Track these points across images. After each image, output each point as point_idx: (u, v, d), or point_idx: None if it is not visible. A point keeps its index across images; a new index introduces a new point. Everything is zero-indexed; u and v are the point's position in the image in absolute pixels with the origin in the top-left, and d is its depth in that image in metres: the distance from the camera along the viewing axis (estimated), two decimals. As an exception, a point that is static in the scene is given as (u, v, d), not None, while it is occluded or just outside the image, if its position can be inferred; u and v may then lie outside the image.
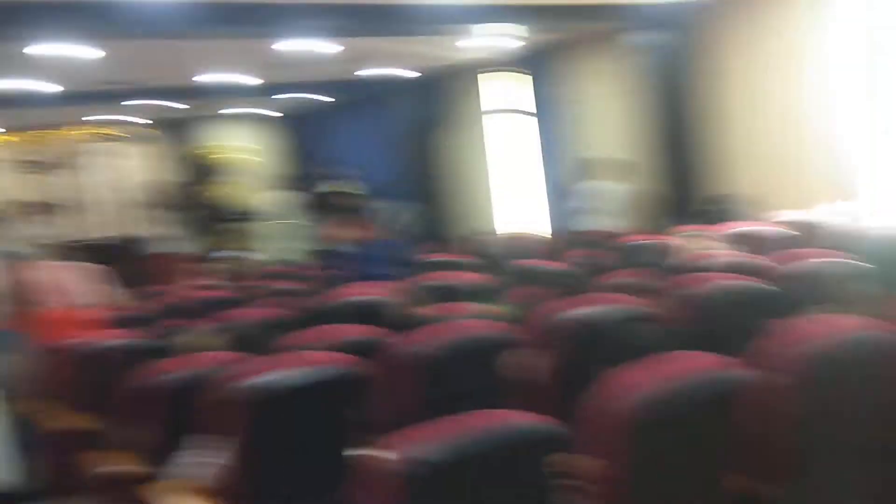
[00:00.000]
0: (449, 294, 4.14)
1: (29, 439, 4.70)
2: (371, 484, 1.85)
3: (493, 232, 9.20)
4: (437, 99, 11.03)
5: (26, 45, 6.64)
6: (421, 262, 5.50)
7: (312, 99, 12.47)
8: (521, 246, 6.69)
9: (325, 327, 3.66)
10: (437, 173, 11.46)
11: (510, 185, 10.88)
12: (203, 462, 2.73)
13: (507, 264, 4.94)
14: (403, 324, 4.10)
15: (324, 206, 10.44)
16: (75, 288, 5.79)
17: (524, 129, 10.44)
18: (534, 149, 10.21)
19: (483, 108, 10.72)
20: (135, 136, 10.62)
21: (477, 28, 7.28)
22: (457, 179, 11.16)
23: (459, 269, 6.23)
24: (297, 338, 3.34)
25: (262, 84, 10.60)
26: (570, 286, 4.05)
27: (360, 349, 3.37)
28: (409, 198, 11.73)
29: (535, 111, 10.10)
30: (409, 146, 11.70)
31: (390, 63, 9.95)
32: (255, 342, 2.97)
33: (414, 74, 10.92)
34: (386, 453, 1.86)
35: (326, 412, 2.73)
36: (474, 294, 4.79)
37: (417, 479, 1.73)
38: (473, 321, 3.17)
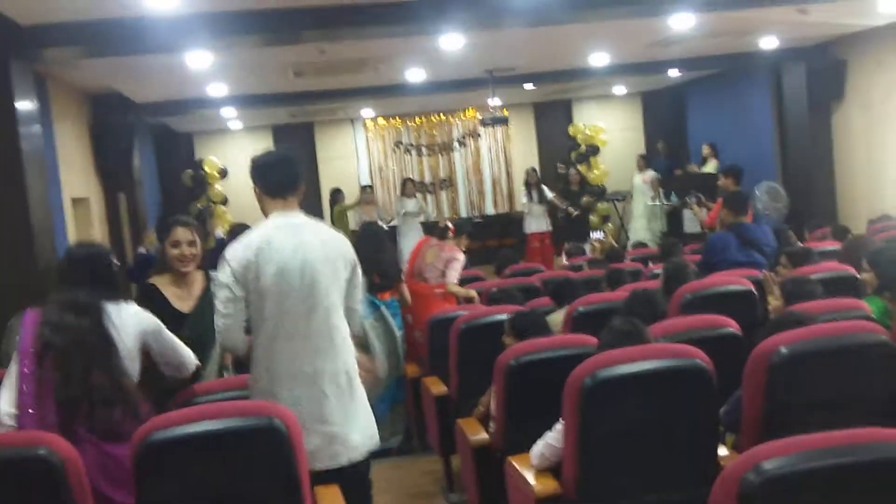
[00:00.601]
0: (819, 287, 3.83)
1: (412, 398, 5.31)
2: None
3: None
4: (833, 69, 10.10)
5: (439, 38, 7.35)
6: (792, 250, 5.15)
7: (677, 76, 12.15)
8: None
9: (682, 319, 3.65)
10: (826, 151, 10.54)
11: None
12: (551, 444, 2.89)
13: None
14: (764, 319, 3.93)
15: (687, 187, 10.21)
16: (448, 265, 6.35)
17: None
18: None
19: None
20: (503, 118, 11.23)
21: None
22: (857, 157, 10.12)
23: (837, 258, 5.78)
24: (656, 328, 3.36)
25: (635, 62, 10.63)
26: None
27: (715, 342, 3.33)
28: (787, 179, 10.99)
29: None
30: (791, 122, 10.91)
31: (776, 34, 9.37)
32: (611, 329, 3.03)
33: (800, 45, 10.17)
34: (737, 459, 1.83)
35: (665, 405, 2.73)
36: (848, 289, 4.41)
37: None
38: (844, 322, 2.92)
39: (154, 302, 3.46)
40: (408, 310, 5.91)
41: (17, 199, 5.38)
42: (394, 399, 5.51)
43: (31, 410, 2.79)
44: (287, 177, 3.15)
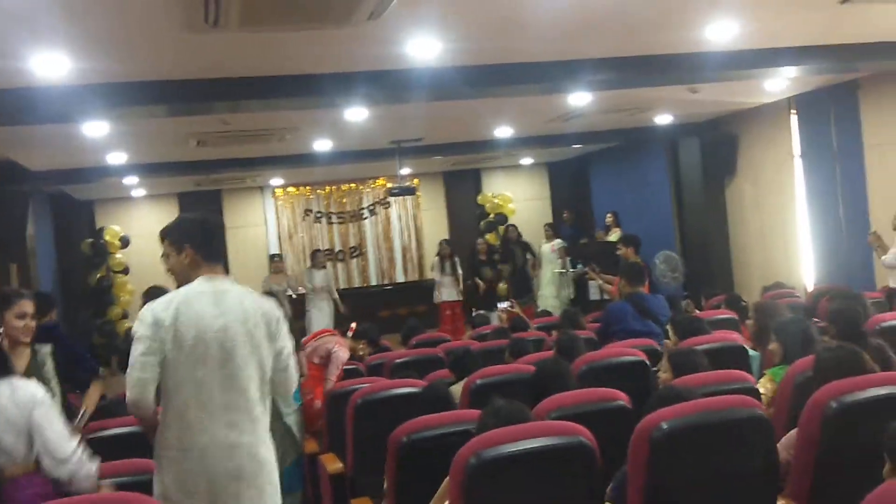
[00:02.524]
0: (704, 359, 3.92)
1: (309, 476, 5.17)
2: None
3: (793, 286, 8.51)
4: (725, 143, 10.59)
5: (345, 111, 7.44)
6: (678, 319, 5.29)
7: (580, 147, 12.58)
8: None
9: (573, 393, 3.67)
10: (721, 221, 10.98)
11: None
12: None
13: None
14: (653, 391, 3.99)
15: (591, 256, 10.45)
16: (329, 357, 6.21)
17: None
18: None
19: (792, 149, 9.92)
20: (411, 188, 11.43)
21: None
22: (750, 227, 10.55)
23: (734, 328, 5.95)
24: (547, 402, 3.38)
25: (538, 135, 10.93)
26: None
27: (605, 416, 3.36)
28: (684, 247, 11.37)
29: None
30: (687, 193, 11.35)
31: (670, 111, 9.81)
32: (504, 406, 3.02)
33: (693, 120, 10.66)
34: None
35: (550, 484, 2.72)
36: (738, 359, 4.54)
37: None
38: (723, 397, 2.99)
39: None
40: (306, 381, 5.79)
41: None
42: (292, 478, 5.35)
43: None
44: (223, 242, 3.24)
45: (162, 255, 3.34)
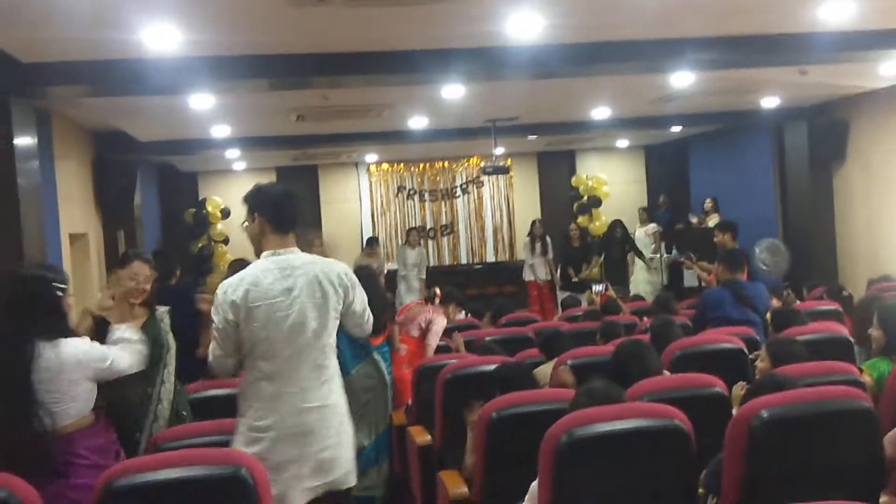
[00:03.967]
0: (803, 349, 3.78)
1: (397, 448, 5.24)
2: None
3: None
4: (835, 129, 10.15)
5: (442, 88, 7.47)
6: (776, 310, 5.12)
7: (679, 130, 12.25)
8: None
9: (668, 377, 3.61)
10: (827, 210, 10.54)
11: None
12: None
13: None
14: (750, 380, 3.88)
15: (688, 242, 10.20)
16: (428, 326, 6.28)
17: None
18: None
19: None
20: (505, 168, 11.40)
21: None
22: (858, 218, 10.10)
23: (837, 319, 5.73)
24: (641, 385, 3.32)
25: (636, 116, 10.72)
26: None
27: (701, 402, 3.28)
28: (787, 236, 10.97)
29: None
30: (792, 180, 10.94)
31: (776, 94, 9.45)
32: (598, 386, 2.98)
33: (801, 104, 10.25)
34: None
35: (642, 466, 2.68)
36: (841, 352, 4.36)
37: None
38: (827, 387, 2.88)
39: (102, 329, 3.43)
40: (398, 355, 5.87)
41: (12, 234, 5.39)
42: (380, 448, 5.43)
43: None
44: (295, 212, 3.23)
45: (242, 223, 3.45)
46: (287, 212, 3.20)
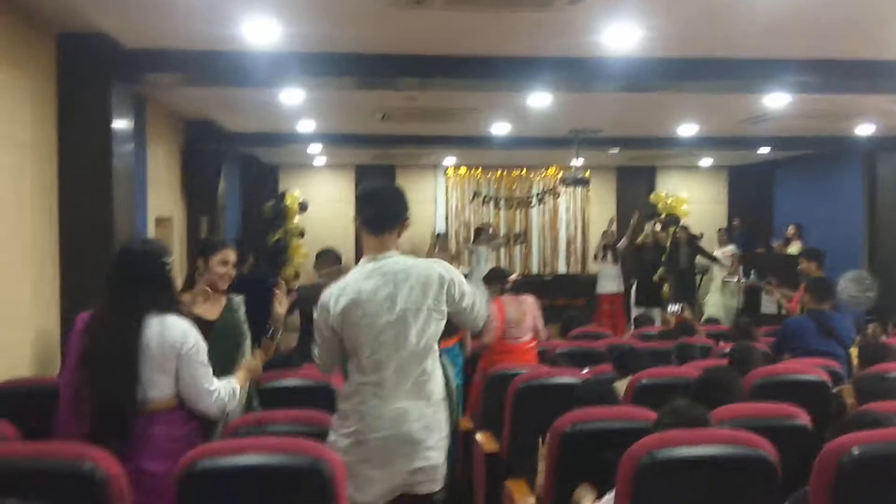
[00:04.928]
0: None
1: (461, 453, 5.22)
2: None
3: None
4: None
5: (528, 95, 7.47)
6: (866, 344, 4.94)
7: (766, 153, 11.95)
8: None
9: (751, 405, 3.50)
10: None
11: None
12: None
13: None
14: (838, 414, 3.74)
15: (768, 267, 9.93)
16: (522, 319, 6.28)
17: None
18: None
19: None
20: (585, 179, 11.32)
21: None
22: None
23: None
24: (723, 410, 3.24)
25: (723, 136, 10.50)
26: None
27: (783, 433, 3.18)
28: (874, 269, 10.59)
29: None
30: (883, 211, 10.57)
31: (872, 121, 9.15)
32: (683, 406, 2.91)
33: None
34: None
35: (724, 495, 2.60)
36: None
37: None
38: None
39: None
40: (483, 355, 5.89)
41: (104, 214, 5.55)
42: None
43: (68, 419, 2.82)
44: (382, 211, 3.10)
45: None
46: (379, 212, 3.09)
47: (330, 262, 5.51)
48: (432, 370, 3.12)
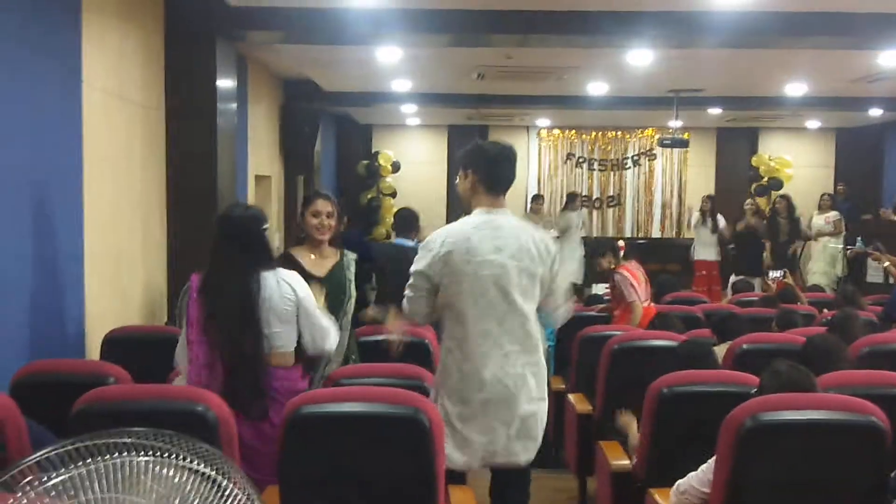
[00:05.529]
0: None
1: (553, 413, 5.21)
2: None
3: None
4: None
5: (627, 53, 7.29)
6: None
7: (879, 115, 11.35)
8: None
9: (860, 372, 3.38)
10: None
11: None
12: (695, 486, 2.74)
13: None
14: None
15: (876, 234, 9.48)
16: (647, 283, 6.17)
17: None
18: None
19: None
20: (684, 140, 11.00)
21: None
22: None
23: None
24: (830, 377, 3.13)
25: (832, 96, 10.04)
26: None
27: (887, 403, 3.05)
28: None
29: None
30: None
31: None
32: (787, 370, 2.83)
33: None
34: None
35: (830, 462, 2.52)
36: None
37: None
38: None
39: (291, 267, 3.52)
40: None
41: (207, 171, 5.72)
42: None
43: (201, 378, 2.95)
44: (511, 173, 3.17)
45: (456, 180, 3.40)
46: (502, 172, 3.12)
47: (409, 222, 5.51)
48: (532, 332, 3.11)
